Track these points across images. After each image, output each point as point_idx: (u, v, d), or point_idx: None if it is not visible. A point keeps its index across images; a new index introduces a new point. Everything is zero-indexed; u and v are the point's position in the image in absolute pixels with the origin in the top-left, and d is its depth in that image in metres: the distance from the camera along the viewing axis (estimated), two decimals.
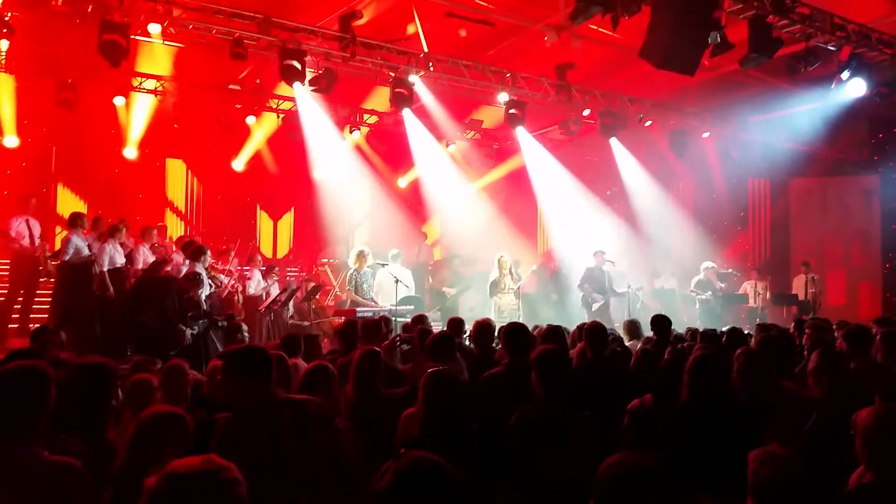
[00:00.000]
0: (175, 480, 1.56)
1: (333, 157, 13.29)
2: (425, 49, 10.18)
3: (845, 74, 9.59)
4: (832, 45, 9.24)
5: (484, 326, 5.24)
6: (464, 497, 1.68)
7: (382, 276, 10.12)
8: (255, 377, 2.86)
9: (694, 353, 3.40)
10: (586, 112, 12.24)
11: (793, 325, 7.07)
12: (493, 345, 5.30)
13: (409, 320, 7.06)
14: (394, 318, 7.14)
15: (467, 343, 6.05)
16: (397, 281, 9.45)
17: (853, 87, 9.92)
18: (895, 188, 14.17)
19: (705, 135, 13.55)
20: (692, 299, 12.47)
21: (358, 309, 9.21)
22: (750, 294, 12.98)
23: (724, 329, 6.49)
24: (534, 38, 10.31)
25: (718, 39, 8.27)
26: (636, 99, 12.37)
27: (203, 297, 8.10)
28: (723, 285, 12.87)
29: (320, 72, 9.83)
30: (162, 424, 2.63)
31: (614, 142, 13.34)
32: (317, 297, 11.04)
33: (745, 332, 6.48)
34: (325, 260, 13.05)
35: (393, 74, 10.15)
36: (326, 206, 13.77)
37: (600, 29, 9.73)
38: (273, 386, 2.96)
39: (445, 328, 6.30)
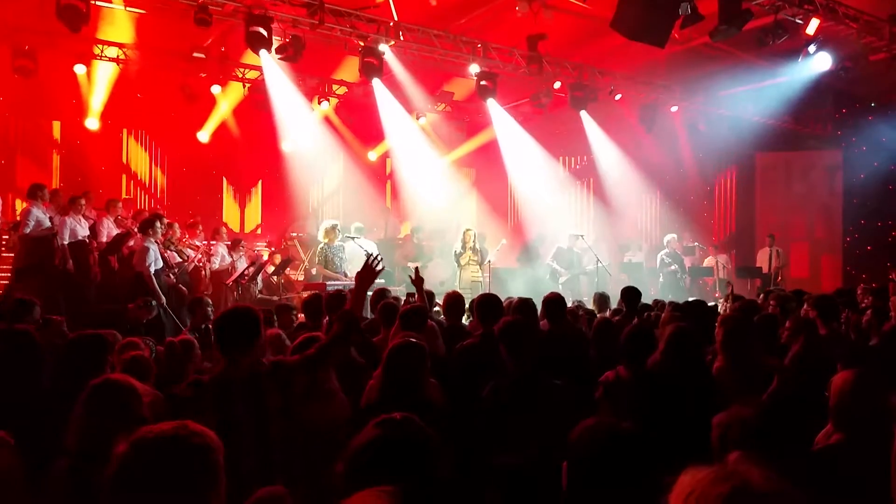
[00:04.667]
0: (144, 446, 1.51)
1: (302, 128, 13.07)
2: (395, 17, 10.02)
3: (812, 48, 9.70)
4: (800, 18, 9.32)
5: (455, 299, 5.25)
6: (440, 459, 1.67)
7: (352, 250, 10.04)
8: (249, 339, 2.86)
9: (673, 325, 3.43)
10: (557, 85, 12.21)
11: (760, 296, 7.20)
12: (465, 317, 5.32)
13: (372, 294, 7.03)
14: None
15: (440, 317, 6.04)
16: (368, 255, 9.38)
17: (819, 62, 10.06)
18: (857, 163, 14.44)
19: (674, 108, 13.63)
20: (660, 272, 12.63)
21: (328, 283, 9.14)
22: (715, 267, 13.20)
23: (689, 300, 6.60)
24: (505, 8, 10.20)
25: (689, 11, 8.26)
26: (607, 72, 12.37)
27: (153, 272, 7.92)
28: (689, 257, 13.06)
29: (287, 39, 9.62)
30: (116, 394, 2.55)
31: (584, 115, 13.36)
32: (286, 271, 10.93)
33: (711, 304, 6.60)
34: (294, 234, 12.90)
35: (362, 44, 9.98)
36: (295, 180, 13.57)
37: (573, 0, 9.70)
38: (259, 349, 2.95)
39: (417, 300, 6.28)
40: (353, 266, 9.92)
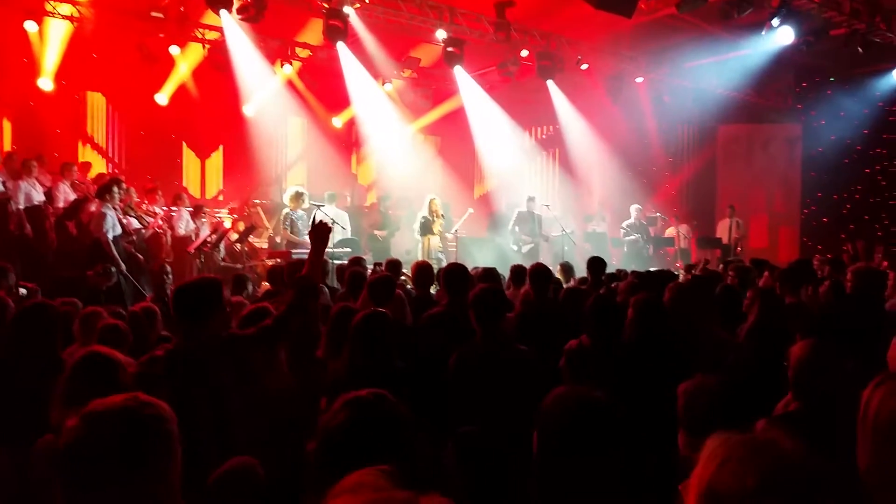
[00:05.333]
0: (93, 419, 1.47)
1: (264, 92, 12.79)
2: None
3: (775, 22, 9.79)
4: None
5: (423, 268, 5.25)
6: (415, 434, 1.68)
7: (318, 218, 9.94)
8: (208, 312, 2.80)
9: (640, 295, 3.48)
10: (524, 53, 12.14)
11: (721, 266, 7.36)
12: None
13: (345, 262, 7.00)
14: (331, 261, 7.04)
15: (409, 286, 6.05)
16: (333, 222, 9.31)
17: (782, 35, 10.17)
18: (816, 136, 14.74)
19: (639, 80, 13.69)
20: (622, 242, 12.80)
21: (293, 251, 9.06)
22: (676, 237, 13.43)
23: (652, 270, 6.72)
24: None
25: None
26: (574, 41, 12.33)
27: (111, 238, 7.74)
28: (652, 227, 13.26)
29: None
30: (94, 366, 2.51)
31: (551, 85, 13.33)
32: (249, 238, 10.78)
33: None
34: (257, 201, 12.69)
35: (326, 5, 9.76)
36: (258, 145, 13.31)
37: None
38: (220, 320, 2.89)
39: (383, 269, 6.28)
40: None
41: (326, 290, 5.09)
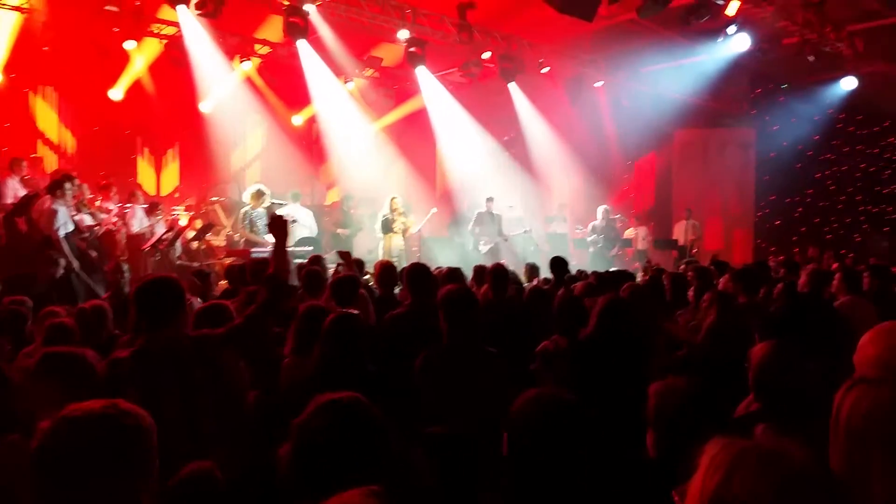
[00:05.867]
0: (70, 425, 1.42)
1: (222, 89, 12.57)
2: None
3: (731, 29, 10.05)
4: (721, 0, 9.60)
5: (387, 268, 5.22)
6: (387, 434, 1.65)
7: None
8: (172, 311, 2.74)
9: (607, 296, 3.51)
10: (487, 55, 12.19)
11: (681, 267, 7.50)
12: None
13: (306, 262, 6.92)
14: (293, 260, 6.95)
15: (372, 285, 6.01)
16: (293, 221, 9.21)
17: (737, 43, 10.43)
18: (769, 141, 15.16)
19: (598, 84, 13.88)
20: (582, 243, 12.96)
21: (252, 249, 8.92)
22: (634, 239, 13.65)
23: (612, 270, 6.81)
24: None
25: None
26: (535, 44, 12.44)
27: (63, 236, 7.52)
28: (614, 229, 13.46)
29: None
30: (60, 364, 2.42)
31: (513, 87, 13.42)
32: (207, 237, 10.58)
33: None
34: (215, 199, 12.47)
35: (287, 2, 9.64)
36: (215, 142, 13.07)
37: None
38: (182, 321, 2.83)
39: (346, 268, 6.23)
40: None
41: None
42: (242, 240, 9.66)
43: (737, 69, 12.72)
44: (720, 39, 10.34)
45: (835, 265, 9.65)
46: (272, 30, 12.07)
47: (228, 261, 8.73)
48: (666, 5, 8.75)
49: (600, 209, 12.89)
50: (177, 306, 2.79)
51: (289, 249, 8.32)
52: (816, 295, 4.74)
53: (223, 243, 11.14)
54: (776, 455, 0.99)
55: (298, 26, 9.71)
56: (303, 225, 10.03)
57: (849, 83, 12.53)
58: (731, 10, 9.70)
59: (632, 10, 9.12)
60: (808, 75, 13.06)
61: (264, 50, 13.07)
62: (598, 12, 8.38)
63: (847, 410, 1.29)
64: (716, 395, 2.37)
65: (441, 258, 10.86)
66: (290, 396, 3.17)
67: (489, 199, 11.92)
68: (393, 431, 1.68)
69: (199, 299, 4.82)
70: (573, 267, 9.11)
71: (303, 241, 9.60)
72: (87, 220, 8.64)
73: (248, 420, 2.99)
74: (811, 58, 11.02)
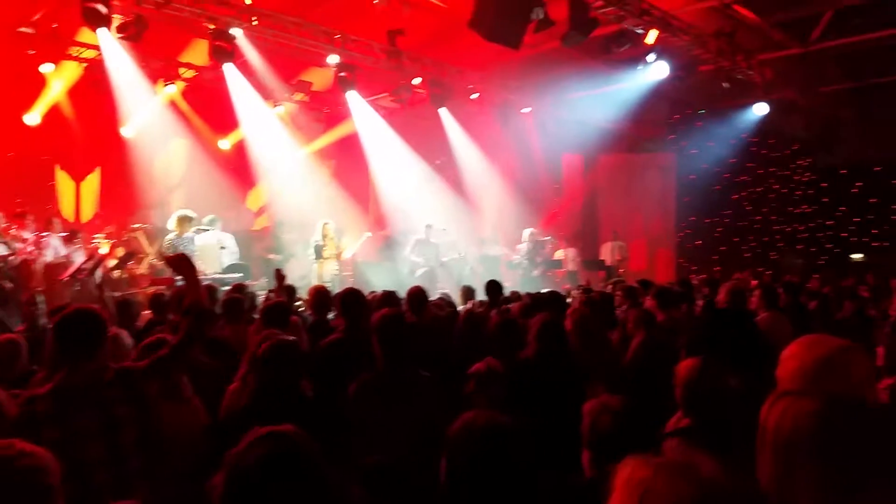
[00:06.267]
0: None
1: (145, 113, 12.22)
2: (248, 1, 9.63)
3: (650, 57, 10.48)
4: (640, 29, 10.02)
5: (321, 293, 5.15)
6: (325, 467, 1.61)
7: (205, 242, 9.57)
8: (94, 344, 2.63)
9: (541, 316, 3.56)
10: (417, 81, 12.30)
11: (610, 286, 7.70)
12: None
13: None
14: (219, 287, 6.77)
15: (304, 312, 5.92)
16: (222, 247, 8.99)
17: (656, 70, 10.88)
18: (689, 165, 15.84)
19: (526, 110, 14.21)
20: (515, 265, 13.14)
21: (177, 277, 8.64)
22: (564, 260, 13.94)
23: (543, 291, 6.93)
24: (364, 1, 10.12)
25: (541, 15, 8.63)
26: (465, 71, 12.65)
27: None
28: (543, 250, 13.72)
29: (129, 18, 8.95)
30: None
31: (444, 112, 13.58)
32: (129, 265, 10.18)
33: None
34: (137, 225, 12.02)
35: (213, 26, 9.50)
36: (138, 167, 12.65)
37: None
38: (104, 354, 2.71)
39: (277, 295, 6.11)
40: (204, 260, 9.46)
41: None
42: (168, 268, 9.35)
43: (656, 96, 13.26)
44: (640, 67, 10.76)
45: (754, 282, 10.13)
46: (198, 53, 11.86)
47: (152, 290, 8.41)
48: (588, 35, 9.06)
49: (525, 232, 13.14)
50: (99, 339, 2.67)
51: (217, 276, 8.15)
52: (737, 311, 4.94)
53: (147, 272, 10.73)
54: (686, 471, 1.01)
55: (225, 50, 9.58)
56: (231, 251, 9.80)
57: (760, 109, 13.23)
58: (650, 38, 10.14)
59: (556, 38, 9.38)
60: (723, 101, 13.73)
61: (189, 73, 12.80)
62: (524, 41, 8.60)
63: (773, 423, 1.34)
64: (648, 412, 2.43)
65: (375, 282, 10.78)
66: (228, 425, 3.08)
67: (429, 227, 12.00)
68: (329, 464, 1.65)
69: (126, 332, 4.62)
70: (507, 289, 9.25)
71: (232, 268, 9.37)
72: (1, 249, 8.20)
73: (186, 454, 2.89)
74: (725, 84, 11.61)
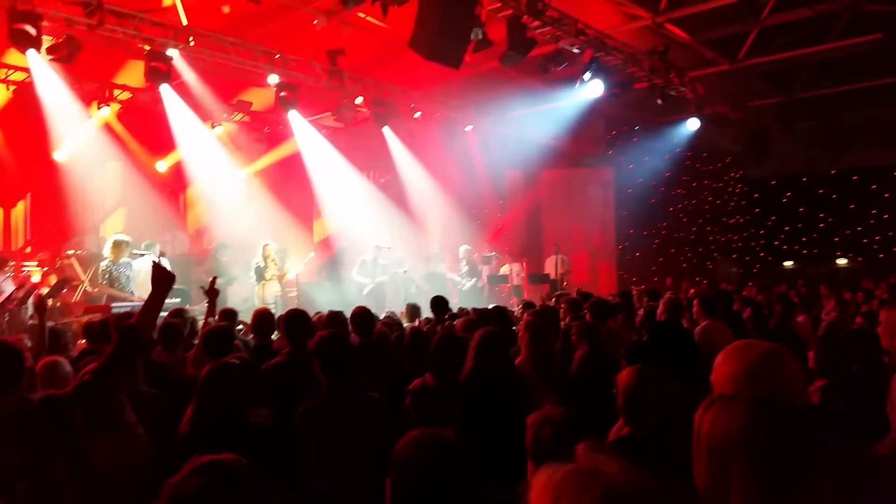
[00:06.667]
0: None
1: (78, 136, 11.85)
2: (184, 22, 9.48)
3: (587, 76, 10.74)
4: (576, 48, 10.29)
5: (263, 315, 5.06)
6: (266, 496, 1.58)
7: (141, 268, 9.31)
8: (12, 376, 2.54)
9: (481, 330, 3.58)
10: (359, 100, 12.30)
11: (553, 300, 7.80)
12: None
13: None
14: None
15: (244, 336, 5.79)
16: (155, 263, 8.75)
17: (593, 88, 11.16)
18: (626, 179, 16.27)
19: (468, 128, 14.38)
20: (458, 282, 13.21)
21: (113, 304, 8.38)
22: (510, 275, 14.08)
23: (489, 307, 6.98)
24: (303, 21, 10.09)
25: (480, 35, 8.78)
26: (407, 90, 12.71)
27: None
28: (487, 266, 13.83)
29: (61, 39, 8.70)
30: None
31: (387, 131, 13.61)
32: (63, 292, 9.81)
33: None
34: (71, 252, 11.60)
35: (148, 47, 9.31)
36: (71, 192, 12.24)
37: (369, 18, 9.83)
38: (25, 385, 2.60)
39: (219, 319, 5.97)
40: (140, 286, 9.20)
41: None
42: (103, 295, 9.06)
43: (593, 113, 13.59)
44: (577, 85, 11.02)
45: (692, 291, 10.42)
46: (133, 74, 11.58)
47: (87, 318, 8.12)
48: (526, 54, 9.24)
49: (461, 249, 13.28)
50: (15, 371, 2.58)
51: None
52: (674, 321, 5.09)
53: (81, 299, 10.35)
54: (592, 474, 1.03)
55: (161, 71, 9.39)
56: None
57: (693, 124, 13.70)
58: (585, 57, 10.41)
59: (496, 58, 9.54)
60: (658, 117, 14.18)
61: (124, 95, 12.50)
62: (463, 60, 8.72)
63: (706, 428, 1.38)
64: (592, 422, 2.48)
65: (321, 303, 10.66)
66: (171, 452, 2.98)
67: (377, 247, 11.98)
68: (272, 492, 1.62)
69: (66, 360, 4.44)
70: (454, 305, 9.28)
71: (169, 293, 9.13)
72: None
73: (124, 484, 2.78)
74: (659, 101, 11.99)
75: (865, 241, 16.96)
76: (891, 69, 10.45)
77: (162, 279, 2.90)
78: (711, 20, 11.03)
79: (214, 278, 5.56)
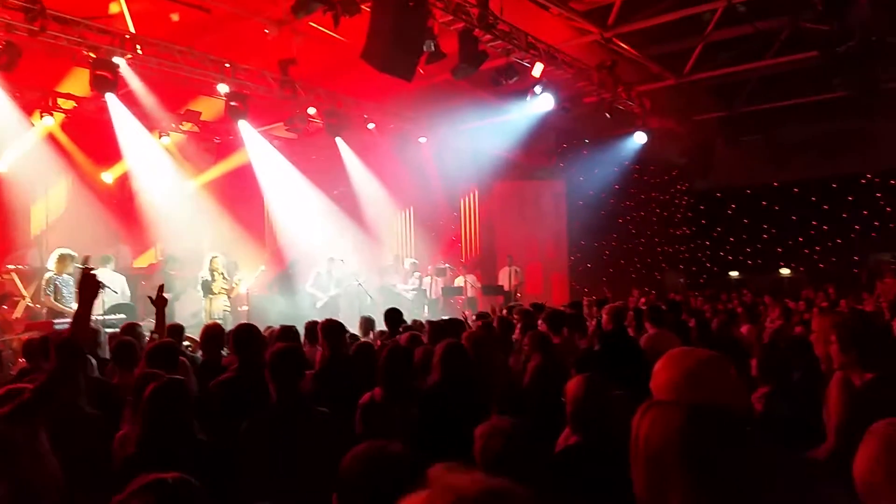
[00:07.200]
0: None
1: (20, 146, 11.48)
2: (132, 30, 9.29)
3: (538, 89, 10.91)
4: (527, 62, 10.44)
5: (212, 330, 4.95)
6: None
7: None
8: None
9: (444, 343, 3.58)
10: (312, 111, 12.23)
11: (505, 311, 7.85)
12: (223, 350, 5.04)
13: (118, 330, 6.40)
14: (103, 329, 6.38)
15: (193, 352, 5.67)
16: (103, 287, 8.50)
17: (543, 102, 11.34)
18: (577, 191, 16.54)
19: (422, 140, 14.42)
20: (417, 293, 13.22)
21: (55, 320, 8.11)
22: (464, 286, 14.13)
23: (445, 318, 6.99)
24: (254, 30, 9.98)
25: (433, 48, 8.84)
26: (360, 101, 12.69)
27: None
28: (441, 278, 13.87)
29: (0, 46, 8.43)
30: None
31: (340, 142, 13.55)
32: (3, 309, 9.45)
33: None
34: (11, 266, 11.18)
35: (93, 55, 9.09)
36: (12, 204, 11.83)
37: (322, 28, 9.79)
38: None
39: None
40: None
41: (94, 362, 4.56)
42: (45, 310, 8.77)
43: (544, 126, 13.79)
44: (528, 99, 11.18)
45: (643, 300, 10.64)
46: (77, 83, 11.27)
47: (27, 335, 7.83)
48: (478, 67, 9.34)
49: (407, 262, 13.33)
50: None
51: (100, 318, 7.67)
52: (620, 330, 5.19)
53: (22, 316, 9.98)
54: (445, 488, 1.05)
55: (107, 80, 9.16)
56: (115, 291, 9.30)
57: (640, 137, 14.02)
58: (536, 71, 10.57)
59: (448, 70, 9.61)
60: (607, 130, 14.45)
61: (69, 104, 12.16)
62: (416, 72, 8.75)
63: (644, 433, 1.40)
64: (542, 432, 2.49)
65: (273, 317, 10.50)
66: (122, 472, 2.88)
67: (331, 259, 11.89)
68: None
69: None
70: (409, 317, 9.26)
71: (115, 308, 8.88)
72: None
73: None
74: (608, 115, 12.25)
75: (806, 251, 17.55)
76: (826, 86, 10.88)
77: (87, 287, 2.84)
78: (658, 36, 11.33)
79: (161, 286, 5.43)
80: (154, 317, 5.24)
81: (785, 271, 18.05)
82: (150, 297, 5.29)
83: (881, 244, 16.20)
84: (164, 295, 10.16)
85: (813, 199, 17.40)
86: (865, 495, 1.62)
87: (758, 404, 4.18)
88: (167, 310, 9.92)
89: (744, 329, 6.78)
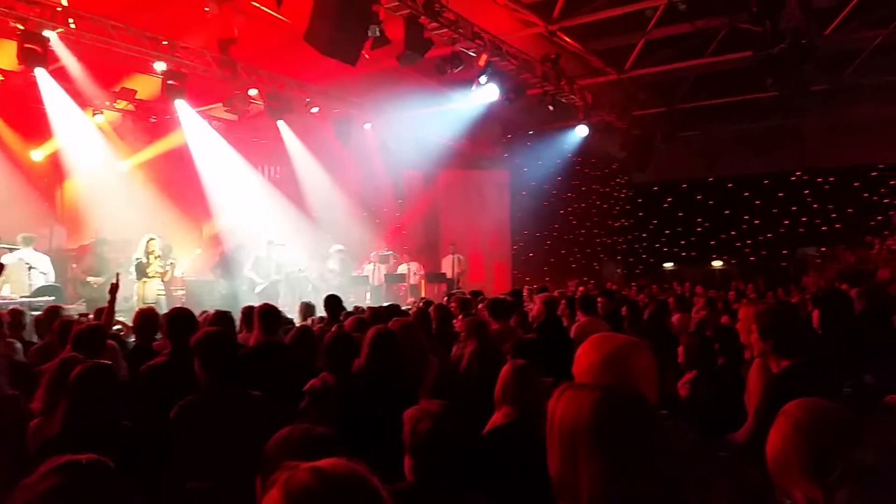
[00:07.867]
0: None
1: None
2: (64, 2, 8.92)
3: (483, 79, 10.97)
4: (473, 52, 10.48)
5: (146, 315, 4.84)
6: (128, 499, 1.53)
7: (11, 263, 8.68)
8: None
9: (374, 329, 3.59)
10: (253, 92, 11.99)
11: (445, 299, 7.93)
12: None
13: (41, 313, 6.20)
14: (28, 311, 6.15)
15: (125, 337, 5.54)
16: (30, 268, 8.21)
17: (488, 92, 11.42)
18: (520, 182, 16.75)
19: (366, 126, 14.31)
20: (360, 280, 13.17)
21: None
22: (407, 274, 14.16)
23: (385, 304, 7.01)
24: (194, 8, 9.70)
25: (378, 33, 8.78)
26: (303, 84, 12.50)
27: None
28: (384, 265, 13.87)
29: None
30: None
31: (282, 125, 13.33)
32: None
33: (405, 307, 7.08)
34: None
35: (22, 27, 8.69)
36: None
37: (264, 8, 9.60)
38: None
39: (93, 317, 5.69)
40: (10, 283, 8.59)
41: (20, 345, 4.42)
42: None
43: (490, 116, 13.89)
44: (473, 88, 11.24)
45: (581, 289, 10.87)
46: (5, 56, 10.76)
47: None
48: (423, 54, 9.32)
49: (332, 248, 13.30)
50: None
51: (25, 300, 7.42)
52: (552, 319, 5.33)
53: None
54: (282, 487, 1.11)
55: (36, 53, 8.77)
56: (41, 272, 8.97)
57: (582, 130, 14.26)
58: (481, 61, 10.62)
59: (394, 56, 9.56)
60: (550, 123, 14.66)
61: None
62: (361, 57, 8.68)
63: (559, 414, 1.46)
64: (475, 416, 2.55)
65: (209, 302, 10.31)
66: (41, 459, 2.81)
67: (270, 243, 11.71)
68: (139, 495, 1.57)
69: None
70: (350, 304, 9.23)
71: (41, 291, 8.56)
72: None
73: None
74: (551, 107, 12.42)
75: (738, 244, 18.23)
76: (760, 86, 11.29)
77: None
78: (601, 31, 11.54)
79: (118, 274, 5.42)
80: (88, 302, 5.16)
81: (717, 263, 18.71)
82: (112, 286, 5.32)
83: (808, 239, 16.97)
84: (94, 279, 9.89)
85: (745, 194, 18.07)
86: (775, 472, 1.71)
87: (683, 389, 4.37)
88: (98, 292, 9.69)
89: (675, 318, 7.02)
